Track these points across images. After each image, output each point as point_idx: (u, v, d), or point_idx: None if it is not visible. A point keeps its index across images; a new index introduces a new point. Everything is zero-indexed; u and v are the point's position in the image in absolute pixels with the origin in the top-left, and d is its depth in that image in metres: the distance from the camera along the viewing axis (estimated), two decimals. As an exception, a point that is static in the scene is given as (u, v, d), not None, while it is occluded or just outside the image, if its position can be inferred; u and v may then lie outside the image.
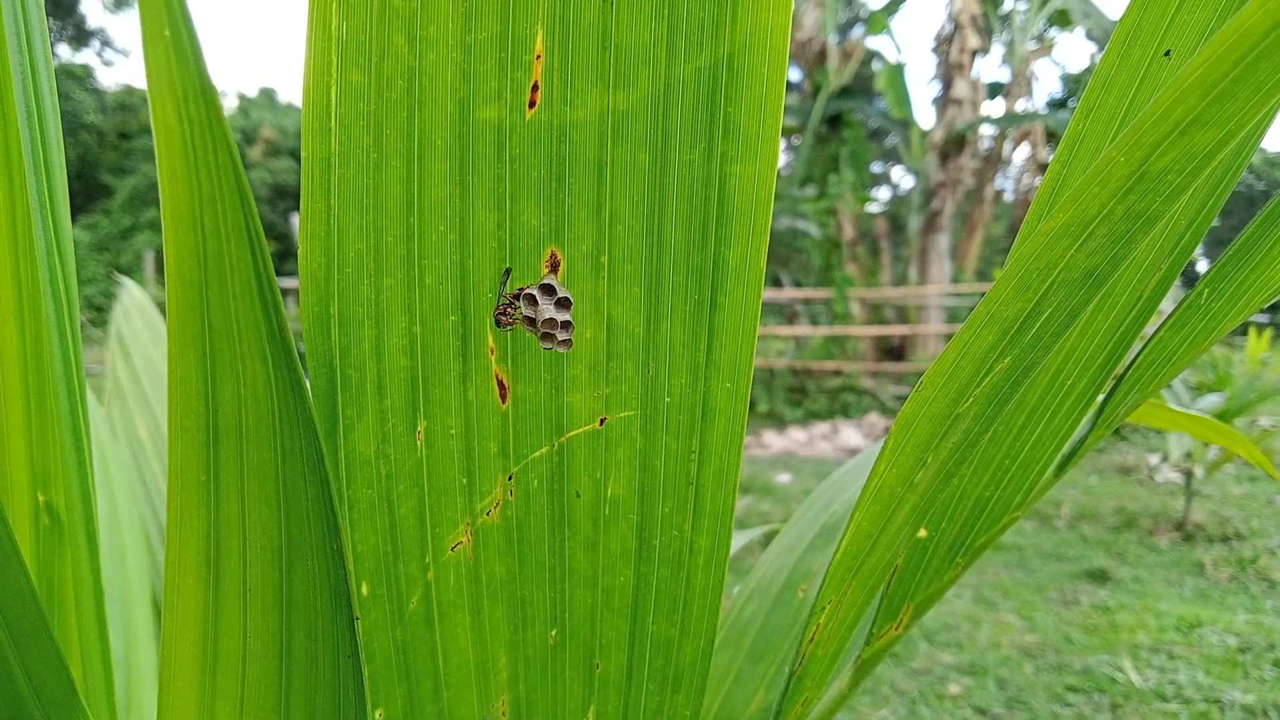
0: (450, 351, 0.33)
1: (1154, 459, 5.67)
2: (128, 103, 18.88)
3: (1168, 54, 0.32)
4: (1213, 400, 4.20)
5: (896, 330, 10.02)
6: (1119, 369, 0.39)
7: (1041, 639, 2.95)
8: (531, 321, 0.32)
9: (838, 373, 9.37)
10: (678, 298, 0.33)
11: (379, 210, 0.30)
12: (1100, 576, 3.57)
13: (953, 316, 10.84)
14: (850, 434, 7.46)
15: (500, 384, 0.34)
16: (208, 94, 0.20)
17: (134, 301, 1.00)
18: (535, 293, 0.32)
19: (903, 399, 9.03)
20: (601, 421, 0.35)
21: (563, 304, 0.32)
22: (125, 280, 1.01)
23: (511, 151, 0.31)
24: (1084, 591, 3.41)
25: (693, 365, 0.34)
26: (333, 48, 0.28)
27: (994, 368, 0.30)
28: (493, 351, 0.33)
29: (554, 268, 0.32)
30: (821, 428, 7.92)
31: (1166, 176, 0.25)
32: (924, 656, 2.84)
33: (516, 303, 0.32)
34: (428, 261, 0.31)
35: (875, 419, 8.38)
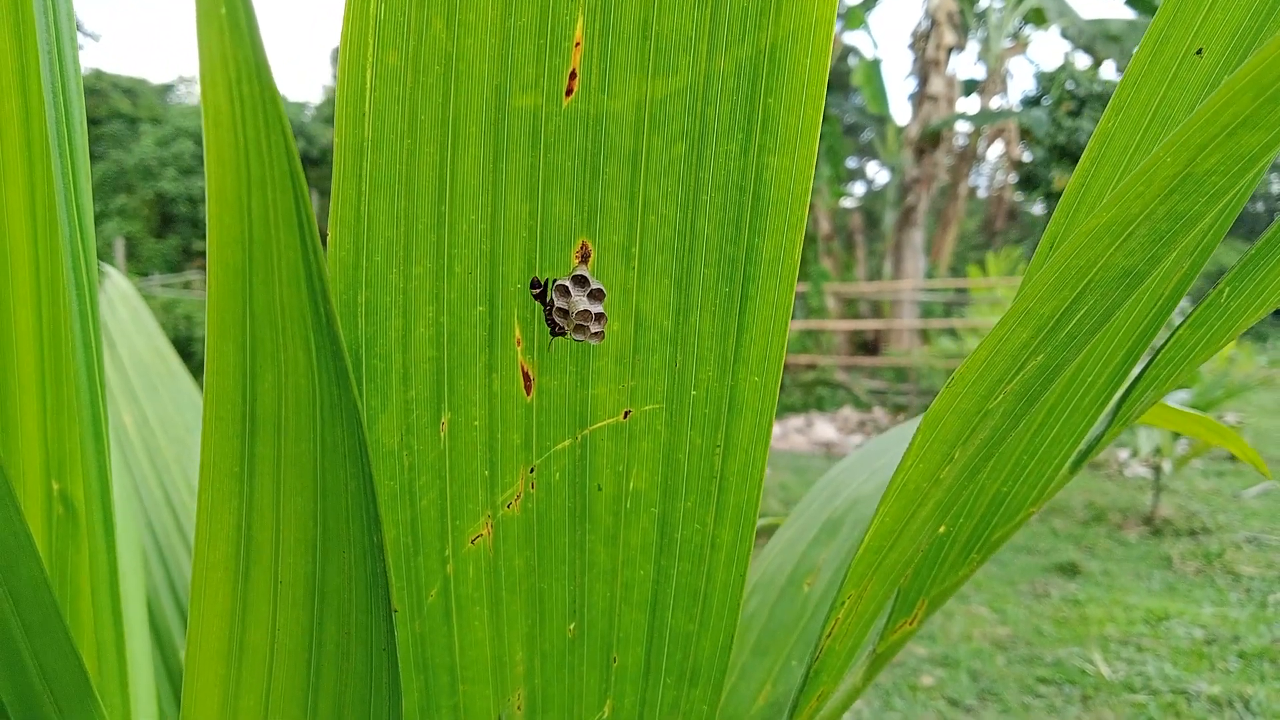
0: (477, 343, 0.33)
1: (1123, 454, 5.76)
2: (97, 88, 18.53)
3: (1199, 53, 0.32)
4: (1181, 397, 4.27)
5: (870, 325, 10.09)
6: (1137, 366, 0.39)
7: (1013, 631, 2.99)
8: (564, 313, 0.31)
9: (812, 366, 9.42)
10: (708, 290, 0.32)
11: (410, 197, 0.30)
12: (1070, 570, 3.62)
13: (926, 311, 10.94)
14: (824, 427, 7.50)
15: (525, 376, 0.34)
16: (262, 74, 0.20)
17: (119, 291, 0.98)
18: (568, 284, 0.31)
19: (876, 393, 9.10)
20: (626, 414, 0.35)
21: (595, 296, 0.32)
22: (110, 270, 0.99)
23: (546, 140, 0.30)
24: (1054, 585, 3.46)
25: (721, 359, 0.34)
26: (369, 30, 0.28)
27: (1026, 365, 0.30)
28: (519, 343, 0.33)
29: (584, 259, 0.32)
30: (796, 421, 7.96)
31: (1211, 178, 0.25)
32: (899, 648, 2.87)
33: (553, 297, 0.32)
34: (457, 250, 0.31)
35: (849, 412, 8.44)
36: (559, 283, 0.31)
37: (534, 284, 0.32)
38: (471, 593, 0.37)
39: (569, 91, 0.30)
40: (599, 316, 0.32)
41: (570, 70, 0.29)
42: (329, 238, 0.30)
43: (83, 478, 0.35)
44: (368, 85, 0.28)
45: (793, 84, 0.29)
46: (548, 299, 0.32)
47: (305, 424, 0.25)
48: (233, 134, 0.21)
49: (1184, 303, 0.37)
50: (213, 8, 0.19)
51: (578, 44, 0.29)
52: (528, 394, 0.34)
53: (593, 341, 0.33)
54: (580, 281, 0.31)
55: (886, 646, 0.43)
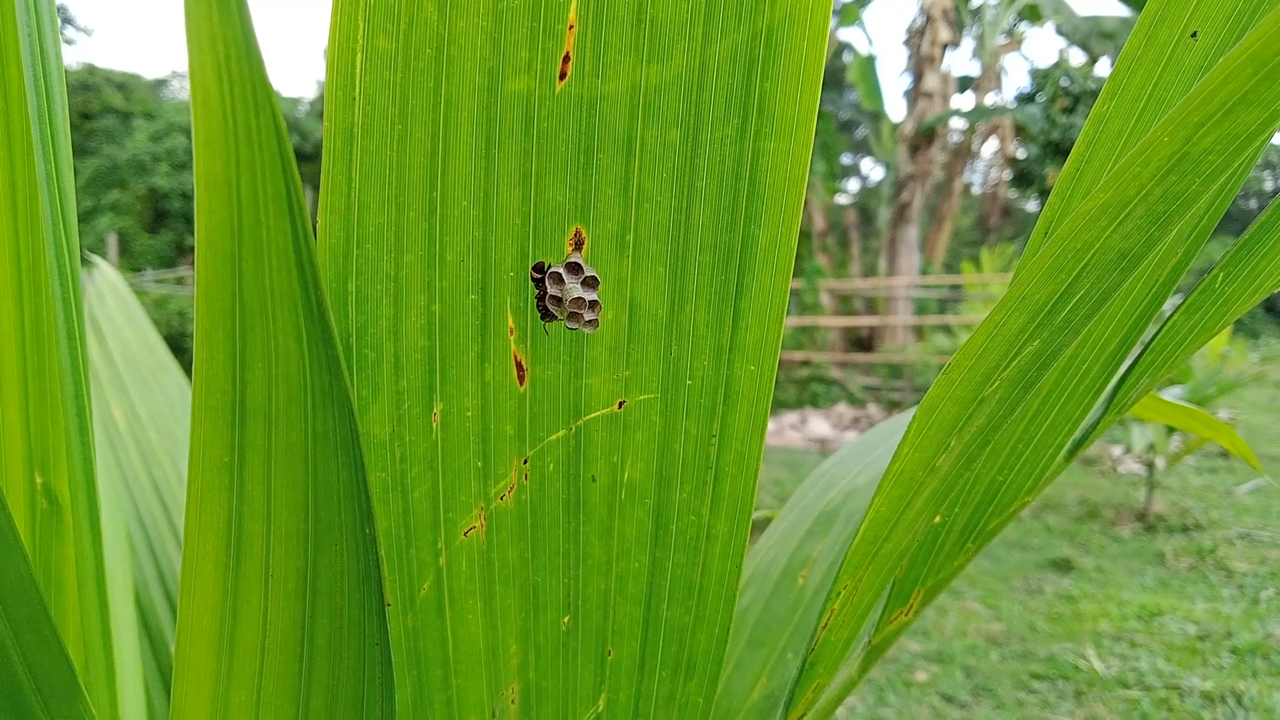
0: (469, 332, 0.32)
1: (1117, 451, 5.77)
2: (89, 82, 18.43)
3: (1194, 35, 0.32)
4: (1174, 393, 4.28)
5: (865, 321, 10.10)
6: (1132, 354, 0.39)
7: (1007, 627, 2.99)
8: (558, 301, 0.31)
9: (806, 363, 9.43)
10: (704, 278, 0.32)
11: (401, 184, 0.29)
12: (1064, 566, 3.63)
13: (921, 308, 10.95)
14: (819, 424, 7.51)
15: (518, 365, 0.33)
16: (252, 54, 0.20)
17: (107, 282, 0.98)
18: (562, 271, 0.31)
19: (871, 389, 9.11)
20: (620, 404, 0.34)
21: (590, 283, 0.31)
22: (98, 261, 0.98)
23: (539, 125, 0.30)
24: (1048, 581, 3.46)
25: (716, 348, 0.33)
26: (360, 13, 0.27)
27: (1023, 350, 0.30)
28: (512, 332, 0.33)
29: (578, 246, 0.31)
30: (790, 417, 7.97)
31: (1208, 157, 0.25)
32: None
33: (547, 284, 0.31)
34: (449, 238, 0.31)
35: (843, 409, 8.45)
36: (553, 270, 0.31)
37: (536, 268, 0.31)
38: (465, 585, 0.36)
39: (562, 76, 0.29)
40: (593, 304, 0.31)
41: (564, 54, 0.29)
42: (319, 224, 0.30)
43: (67, 471, 0.34)
44: (358, 70, 0.28)
45: (789, 68, 0.29)
46: (542, 286, 0.31)
47: (296, 413, 0.24)
48: (221, 116, 0.21)
49: (1175, 297, 0.36)
50: (198, -15, 0.19)
51: (571, 27, 0.29)
52: (521, 384, 0.34)
53: (587, 330, 0.32)
54: (574, 268, 0.31)
55: (882, 637, 0.43)
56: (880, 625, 0.43)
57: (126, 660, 0.58)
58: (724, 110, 0.30)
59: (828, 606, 0.37)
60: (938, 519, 0.41)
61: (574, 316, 0.31)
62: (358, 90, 0.28)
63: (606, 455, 0.35)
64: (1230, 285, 0.35)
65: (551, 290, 0.31)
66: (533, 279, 0.31)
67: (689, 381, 0.34)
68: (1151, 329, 0.39)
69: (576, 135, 0.30)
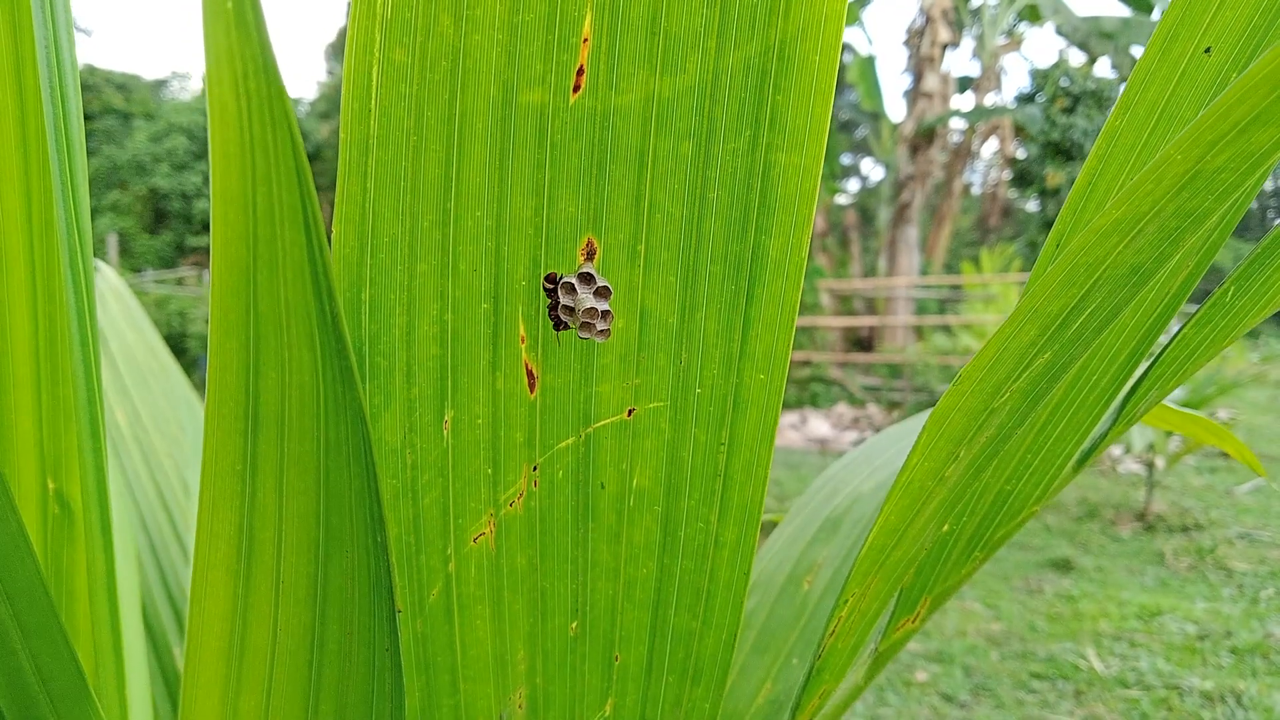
0: (481, 340, 0.32)
1: (1117, 451, 5.77)
2: (90, 83, 18.42)
3: (1208, 51, 0.32)
4: (1174, 394, 4.28)
5: (865, 321, 10.11)
6: (1142, 365, 0.39)
7: (1007, 627, 3.00)
8: (570, 311, 0.31)
9: (806, 363, 9.43)
10: (714, 288, 0.32)
11: (416, 194, 0.30)
12: (1064, 566, 3.63)
13: (921, 308, 10.96)
14: (818, 424, 7.51)
15: (529, 373, 0.33)
16: (269, 69, 0.20)
17: (110, 287, 0.98)
18: (574, 281, 0.31)
19: (870, 389, 9.11)
20: (630, 412, 0.35)
21: (602, 293, 0.31)
22: (101, 265, 0.99)
23: (553, 137, 0.30)
24: (1048, 580, 3.47)
25: (726, 356, 0.33)
26: (376, 26, 0.27)
27: (1033, 363, 0.30)
28: (523, 340, 0.33)
29: (590, 256, 0.32)
30: (790, 417, 7.97)
31: (1221, 175, 0.25)
32: (893, 644, 2.87)
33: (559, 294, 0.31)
34: (463, 247, 0.31)
35: (843, 409, 8.45)
36: (565, 279, 0.31)
37: (549, 278, 0.31)
38: (474, 591, 0.36)
39: (576, 88, 0.29)
40: (605, 314, 0.32)
41: (578, 66, 0.29)
42: (333, 234, 0.30)
43: (79, 477, 0.35)
44: (374, 82, 0.28)
45: (802, 80, 0.29)
46: (555, 296, 0.31)
47: (309, 422, 0.24)
48: (238, 130, 0.21)
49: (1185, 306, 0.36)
50: (219, 3, 0.19)
51: (585, 40, 0.29)
52: (531, 392, 0.34)
53: (599, 339, 0.32)
54: (586, 279, 0.31)
55: (889, 645, 0.43)
56: (887, 633, 0.43)
57: (135, 665, 0.58)
58: (736, 122, 0.30)
59: (835, 614, 0.37)
60: (945, 528, 0.41)
61: (586, 326, 0.32)
62: (373, 102, 0.28)
63: (616, 462, 0.35)
64: (1240, 299, 0.36)
65: (564, 300, 0.31)
66: (545, 289, 0.31)
67: (698, 390, 0.34)
68: (1162, 340, 0.39)
69: (589, 147, 0.30)
